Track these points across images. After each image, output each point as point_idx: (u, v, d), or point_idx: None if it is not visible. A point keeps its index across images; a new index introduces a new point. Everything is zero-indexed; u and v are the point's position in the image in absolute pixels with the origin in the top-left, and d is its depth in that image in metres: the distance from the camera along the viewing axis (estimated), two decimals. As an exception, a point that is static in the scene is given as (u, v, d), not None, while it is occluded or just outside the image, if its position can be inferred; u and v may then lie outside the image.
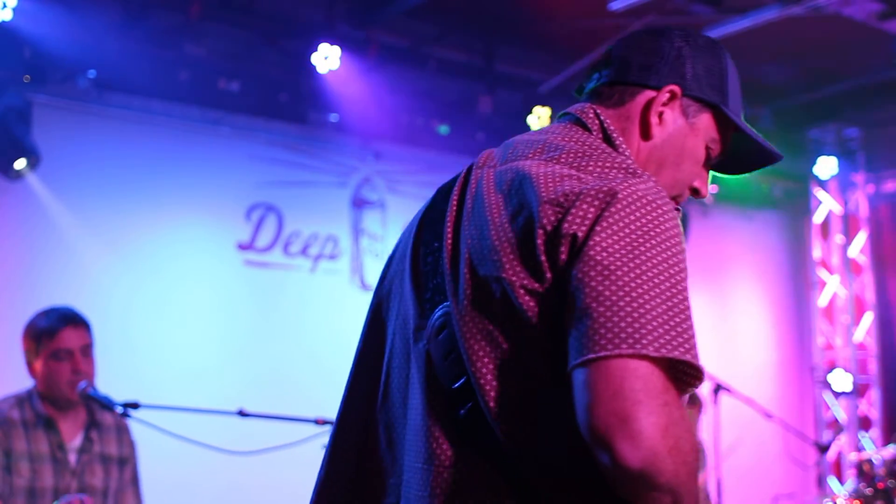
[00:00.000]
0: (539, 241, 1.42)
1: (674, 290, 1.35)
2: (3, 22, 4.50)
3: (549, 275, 1.40)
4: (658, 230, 1.39)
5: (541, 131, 1.65)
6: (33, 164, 4.92)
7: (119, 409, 3.37)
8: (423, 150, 6.36)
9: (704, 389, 5.42)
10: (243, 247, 5.97)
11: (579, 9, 5.66)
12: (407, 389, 1.57)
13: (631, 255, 1.35)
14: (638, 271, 1.34)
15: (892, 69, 6.22)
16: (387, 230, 6.46)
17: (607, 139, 1.63)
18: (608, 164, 1.51)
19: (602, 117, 1.65)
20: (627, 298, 1.32)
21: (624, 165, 1.51)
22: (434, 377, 1.51)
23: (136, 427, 3.66)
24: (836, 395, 7.84)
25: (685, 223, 7.31)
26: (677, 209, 1.58)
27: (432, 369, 1.52)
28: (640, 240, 1.37)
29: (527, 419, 1.41)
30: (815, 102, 7.29)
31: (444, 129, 6.19)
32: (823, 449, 6.09)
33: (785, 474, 7.46)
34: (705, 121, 1.70)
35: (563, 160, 1.51)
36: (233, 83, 5.39)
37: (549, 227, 1.41)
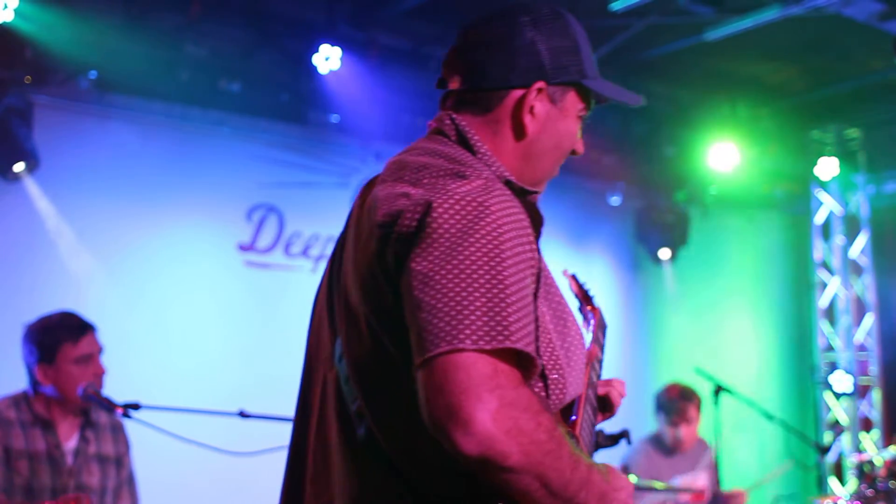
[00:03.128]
0: (377, 266, 1.50)
1: (493, 283, 1.41)
2: (4, 22, 4.50)
3: (392, 296, 1.48)
4: (475, 227, 1.44)
5: (408, 148, 1.69)
6: (32, 167, 4.91)
7: (120, 410, 3.38)
8: (424, 151, 6.34)
9: (705, 390, 5.41)
10: (244, 248, 5.97)
11: (579, 9, 5.64)
12: (327, 413, 1.64)
13: (446, 259, 1.42)
14: (453, 273, 1.41)
15: (893, 69, 6.21)
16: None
17: (464, 144, 1.67)
18: (441, 173, 1.55)
19: (460, 123, 1.69)
20: (445, 300, 1.39)
21: (455, 171, 1.56)
22: (342, 401, 1.59)
23: (137, 428, 3.66)
24: (837, 396, 7.83)
25: (686, 223, 7.31)
26: (534, 194, 1.69)
27: (340, 394, 1.59)
28: (455, 241, 1.43)
29: (408, 434, 1.48)
30: (815, 102, 7.26)
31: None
32: (824, 450, 6.08)
33: (785, 475, 7.45)
34: (571, 98, 1.75)
35: (405, 178, 1.57)
36: (233, 84, 5.38)
37: (382, 251, 1.50)
